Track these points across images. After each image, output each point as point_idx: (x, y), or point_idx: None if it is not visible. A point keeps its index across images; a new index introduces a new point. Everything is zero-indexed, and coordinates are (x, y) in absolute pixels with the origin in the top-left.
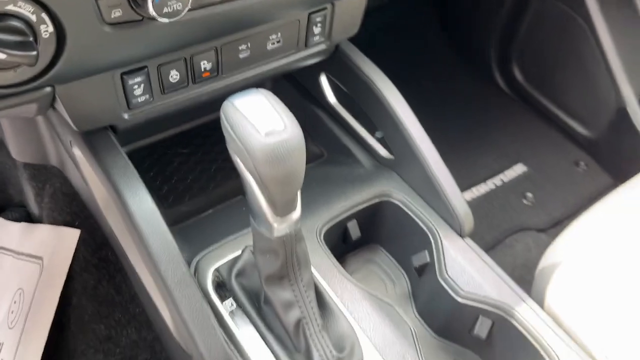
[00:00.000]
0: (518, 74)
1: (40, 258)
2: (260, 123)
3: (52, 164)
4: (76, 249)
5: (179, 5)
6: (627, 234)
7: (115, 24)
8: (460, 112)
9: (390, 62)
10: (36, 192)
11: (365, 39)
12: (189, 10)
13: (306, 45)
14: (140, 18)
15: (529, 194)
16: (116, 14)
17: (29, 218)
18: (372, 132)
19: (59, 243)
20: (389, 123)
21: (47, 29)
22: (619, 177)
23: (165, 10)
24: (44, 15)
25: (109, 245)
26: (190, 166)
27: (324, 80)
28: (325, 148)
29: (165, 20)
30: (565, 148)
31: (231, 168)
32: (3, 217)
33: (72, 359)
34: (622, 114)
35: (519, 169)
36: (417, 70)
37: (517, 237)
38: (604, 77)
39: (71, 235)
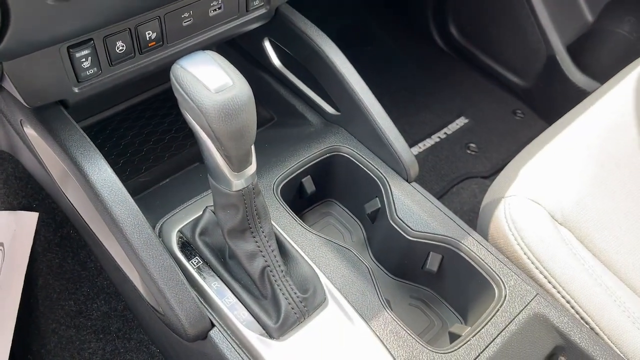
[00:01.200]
0: (455, 32)
1: (0, 244)
2: (209, 81)
3: (1, 149)
4: (36, 231)
5: None
6: (553, 168)
7: None
8: (403, 72)
9: (333, 30)
10: None
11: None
12: None
13: (247, 10)
14: None
15: (472, 145)
16: None
17: None
18: (317, 91)
19: (18, 227)
20: (333, 81)
21: None
22: (553, 121)
23: None
24: None
25: (70, 223)
26: (143, 138)
27: (267, 45)
28: (275, 111)
29: None
30: (503, 99)
31: (185, 136)
32: None
33: (44, 339)
34: (552, 62)
35: (461, 122)
36: (360, 35)
37: (464, 184)
38: (534, 29)
39: (29, 218)
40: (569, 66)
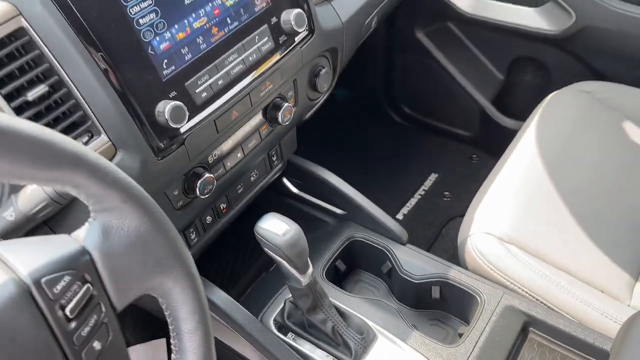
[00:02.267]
0: (407, 109)
1: None
2: (277, 230)
3: None
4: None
5: (211, 186)
6: (496, 204)
7: (180, 208)
8: (375, 152)
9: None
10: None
11: None
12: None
13: (271, 168)
14: (192, 198)
15: (446, 192)
16: (180, 202)
17: None
18: (325, 200)
19: (153, 356)
20: (338, 196)
21: None
22: (499, 157)
23: (206, 190)
24: None
25: None
26: (236, 254)
27: (285, 181)
28: (301, 222)
29: (204, 197)
30: (459, 149)
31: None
32: None
33: None
34: (484, 114)
35: (432, 177)
36: (335, 128)
37: (449, 225)
38: (463, 94)
39: (159, 345)
40: (497, 115)
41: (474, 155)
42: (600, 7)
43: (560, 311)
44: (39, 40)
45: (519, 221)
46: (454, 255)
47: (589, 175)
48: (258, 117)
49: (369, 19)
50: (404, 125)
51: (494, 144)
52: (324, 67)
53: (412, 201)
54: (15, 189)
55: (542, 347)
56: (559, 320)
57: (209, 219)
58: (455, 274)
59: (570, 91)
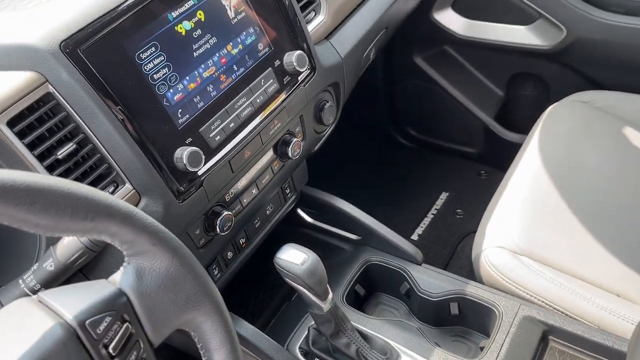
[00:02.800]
0: (412, 131)
1: None
2: (296, 259)
3: None
4: None
5: (230, 223)
6: (505, 217)
7: (202, 247)
8: (384, 176)
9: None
10: None
11: None
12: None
13: (285, 201)
14: (213, 235)
15: (459, 210)
16: (202, 241)
17: None
18: (339, 227)
19: None
20: (351, 221)
21: None
22: (507, 170)
23: (225, 227)
24: None
25: None
26: (258, 287)
27: (300, 211)
28: (320, 250)
29: (224, 234)
30: (467, 166)
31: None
32: None
33: None
34: (488, 131)
35: (444, 196)
36: (344, 156)
37: (464, 242)
38: (465, 113)
39: None
40: (500, 130)
41: (482, 171)
42: (588, 20)
43: (578, 318)
44: (65, 103)
45: (529, 232)
46: (471, 271)
47: (595, 182)
48: (269, 154)
49: (367, 51)
50: (411, 147)
51: (500, 158)
52: (327, 101)
53: (426, 221)
54: (53, 241)
55: (564, 355)
56: (577, 327)
57: (230, 254)
58: (472, 289)
59: (569, 102)
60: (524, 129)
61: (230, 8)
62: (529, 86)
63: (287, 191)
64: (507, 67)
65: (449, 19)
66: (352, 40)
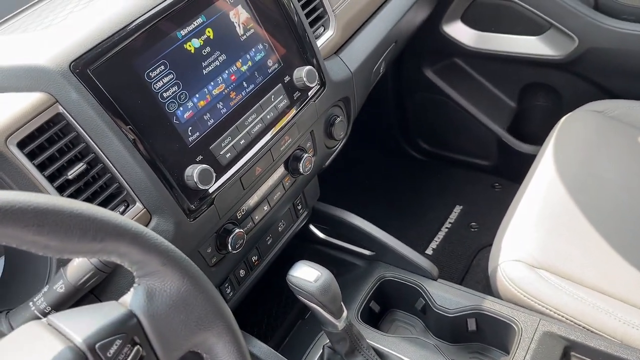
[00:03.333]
0: (424, 145)
1: None
2: (309, 277)
3: None
4: None
5: (242, 240)
6: (521, 230)
7: (214, 265)
8: (397, 190)
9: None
10: None
11: None
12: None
13: (297, 217)
14: (225, 253)
15: (473, 223)
16: (214, 259)
17: None
18: (352, 242)
19: None
20: (364, 237)
21: None
22: (521, 182)
23: (237, 244)
24: None
25: None
26: (271, 305)
27: (312, 227)
28: (334, 266)
29: (236, 251)
30: (481, 179)
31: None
32: None
33: None
34: (501, 143)
35: (457, 210)
36: (356, 171)
37: (479, 256)
38: (478, 125)
39: None
40: (514, 142)
41: (496, 184)
42: (600, 29)
43: (600, 333)
44: (75, 123)
45: (546, 245)
46: (488, 286)
47: (611, 192)
48: (280, 170)
49: (377, 65)
50: (424, 160)
51: (514, 170)
52: (338, 116)
53: (440, 235)
54: (63, 263)
55: None
56: (600, 342)
57: (242, 272)
58: (489, 304)
59: (583, 112)
60: (538, 140)
61: (239, 25)
62: (541, 97)
63: (299, 207)
64: (519, 78)
65: (459, 31)
66: (362, 54)
